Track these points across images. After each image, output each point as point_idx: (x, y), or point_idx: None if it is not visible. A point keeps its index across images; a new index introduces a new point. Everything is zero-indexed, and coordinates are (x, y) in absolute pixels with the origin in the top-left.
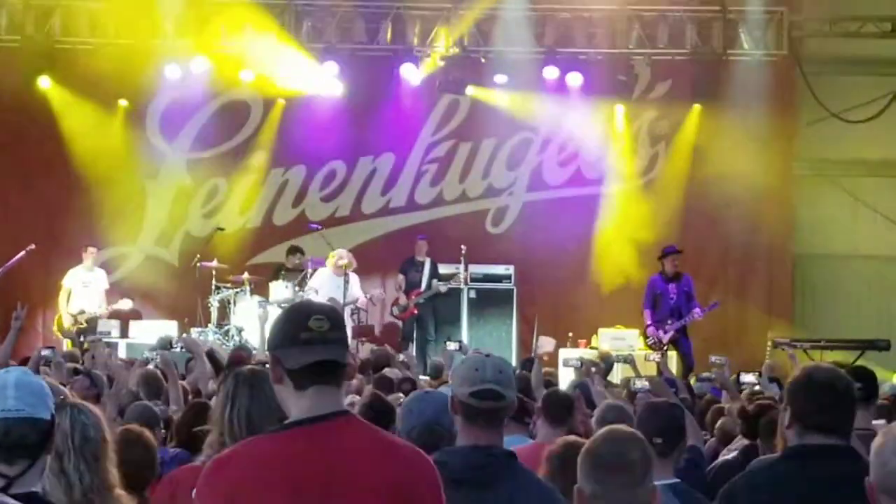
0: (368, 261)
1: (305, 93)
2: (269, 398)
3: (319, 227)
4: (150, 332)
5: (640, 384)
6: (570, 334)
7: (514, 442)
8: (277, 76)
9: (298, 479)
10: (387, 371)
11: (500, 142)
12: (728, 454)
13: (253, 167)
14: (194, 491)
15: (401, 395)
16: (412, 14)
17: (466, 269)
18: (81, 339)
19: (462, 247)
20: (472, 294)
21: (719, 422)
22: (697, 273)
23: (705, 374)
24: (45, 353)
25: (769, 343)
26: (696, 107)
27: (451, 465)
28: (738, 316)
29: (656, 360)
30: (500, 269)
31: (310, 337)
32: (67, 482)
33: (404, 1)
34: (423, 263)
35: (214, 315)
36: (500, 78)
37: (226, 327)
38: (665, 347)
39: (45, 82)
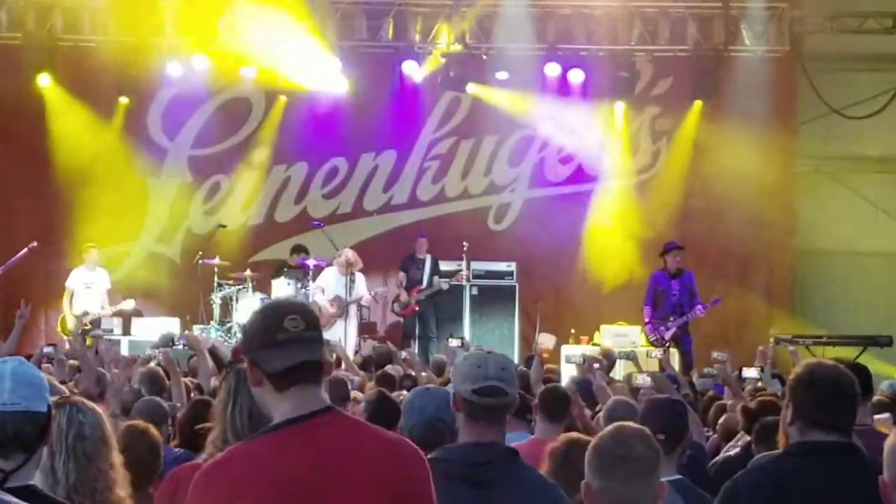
0: (370, 258)
1: (308, 88)
2: None
3: (321, 225)
4: (153, 329)
5: (642, 380)
6: (573, 331)
7: (515, 438)
8: (280, 71)
9: (290, 478)
10: (389, 368)
11: (502, 139)
12: (730, 450)
13: (255, 164)
14: (188, 494)
15: (403, 392)
16: (414, 11)
17: (468, 266)
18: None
19: (464, 244)
20: (475, 291)
21: (721, 418)
22: (699, 269)
23: (707, 371)
24: (46, 350)
25: (771, 339)
26: (698, 103)
27: (453, 462)
28: (739, 312)
29: (658, 356)
30: (502, 266)
31: (286, 338)
32: (54, 479)
33: None
34: (423, 261)
35: (217, 312)
36: (501, 75)
37: (228, 324)
38: (667, 344)
39: (44, 80)
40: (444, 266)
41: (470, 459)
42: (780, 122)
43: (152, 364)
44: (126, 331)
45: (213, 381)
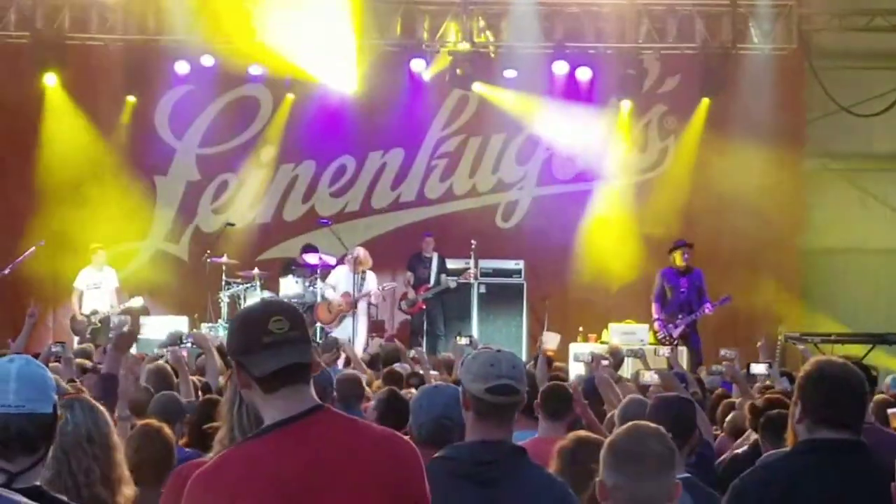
0: (378, 256)
1: (319, 80)
2: None
3: (329, 223)
4: (161, 327)
5: (650, 378)
6: (581, 329)
7: (522, 437)
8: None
9: (287, 479)
10: (396, 366)
11: (510, 137)
12: (738, 448)
13: (263, 162)
14: (183, 498)
15: (411, 390)
16: (422, 9)
17: (476, 264)
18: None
19: (472, 241)
20: (482, 289)
21: (729, 416)
22: (706, 267)
23: (716, 368)
24: (55, 348)
25: (780, 337)
26: (705, 101)
27: (460, 460)
28: (747, 310)
29: (666, 354)
30: (510, 264)
31: (272, 340)
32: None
33: None
34: (430, 259)
35: (225, 311)
36: (509, 73)
37: None
38: (675, 342)
39: (51, 79)
40: (453, 264)
41: (477, 458)
42: (788, 120)
43: (160, 362)
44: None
45: (221, 380)
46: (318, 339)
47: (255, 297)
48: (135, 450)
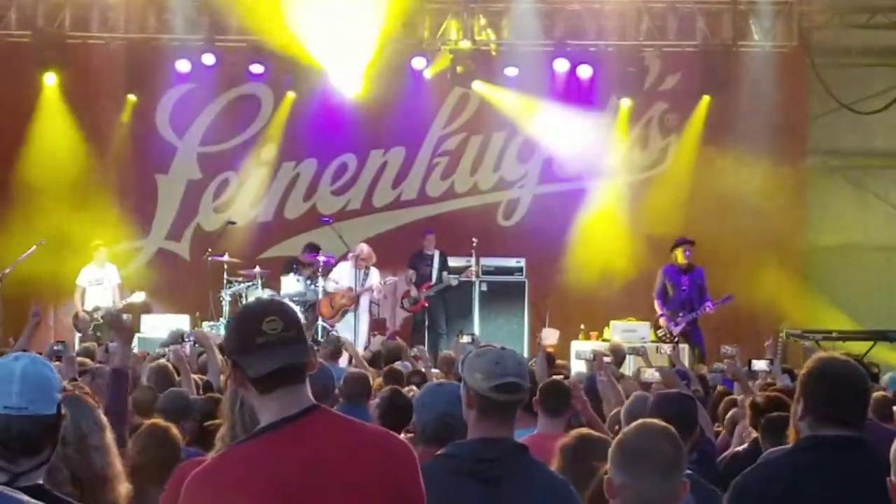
0: (380, 254)
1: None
2: None
3: (331, 221)
4: (162, 326)
5: (651, 375)
6: (582, 326)
7: (521, 434)
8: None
9: (284, 479)
10: (397, 364)
11: (511, 135)
12: (739, 446)
13: (263, 161)
14: (180, 498)
15: (412, 388)
16: (423, 7)
17: (478, 262)
18: (98, 334)
19: (473, 239)
20: (484, 287)
21: (730, 413)
22: (707, 264)
23: (718, 366)
24: (56, 347)
25: (782, 334)
26: (706, 98)
27: (462, 458)
28: (748, 307)
29: (668, 352)
30: (511, 262)
31: (265, 341)
32: None
33: None
34: (432, 257)
35: (226, 309)
36: (510, 71)
37: None
38: (676, 339)
39: (50, 79)
40: (454, 262)
41: (479, 455)
42: (788, 118)
43: (162, 361)
44: (136, 328)
45: (222, 378)
46: (319, 338)
47: (256, 295)
48: (140, 450)
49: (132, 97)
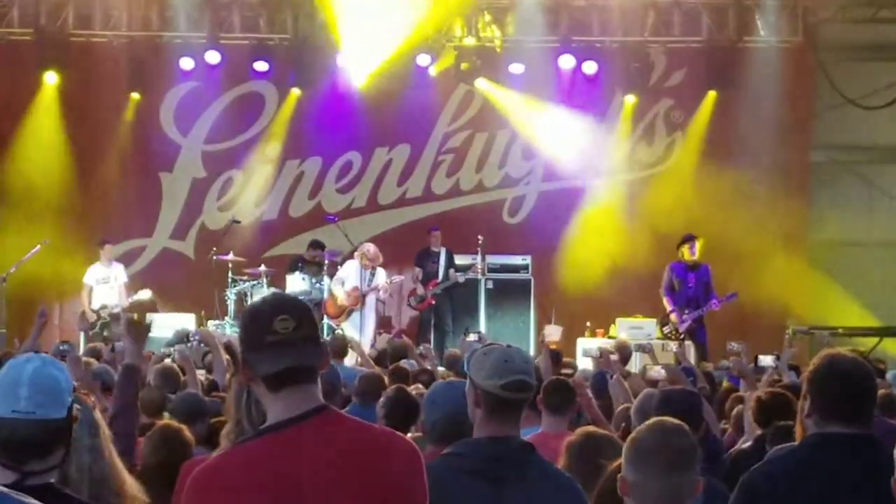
0: (385, 251)
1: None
2: None
3: (336, 219)
4: (167, 325)
5: (657, 373)
6: (588, 324)
7: (525, 433)
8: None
9: (285, 482)
10: (403, 363)
11: (516, 132)
12: (744, 443)
13: (268, 159)
14: (183, 497)
15: (419, 385)
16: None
17: (483, 260)
18: (105, 333)
19: (479, 237)
20: (490, 285)
21: (735, 410)
22: (713, 260)
23: (724, 363)
24: (62, 347)
25: (788, 331)
26: (712, 94)
27: (469, 457)
28: (754, 303)
29: (675, 349)
30: (517, 260)
31: (275, 340)
32: None
33: None
34: (438, 254)
35: (232, 308)
36: (515, 67)
37: None
38: (682, 336)
39: (51, 77)
40: (459, 260)
41: (486, 454)
42: (793, 113)
43: (168, 361)
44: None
45: (227, 377)
46: (325, 337)
47: (261, 294)
48: (151, 451)
49: (135, 95)
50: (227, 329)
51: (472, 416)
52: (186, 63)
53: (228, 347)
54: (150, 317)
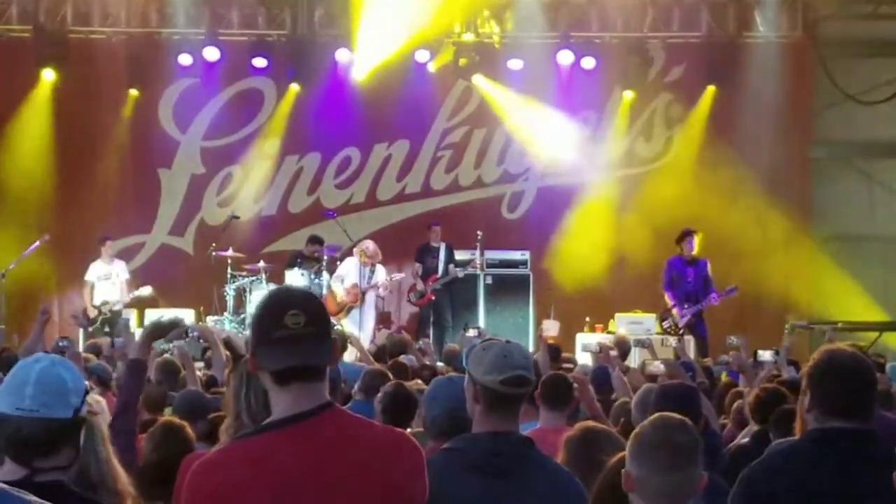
0: (384, 247)
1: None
2: None
3: (335, 215)
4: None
5: (656, 368)
6: (588, 319)
7: (524, 428)
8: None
9: (284, 479)
10: (402, 358)
11: (515, 128)
12: (743, 438)
13: (267, 154)
14: (182, 491)
15: (419, 381)
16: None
17: (482, 255)
18: (106, 328)
19: (478, 233)
20: (489, 280)
21: (735, 405)
22: (713, 255)
23: (724, 358)
24: (61, 343)
25: (787, 326)
26: (711, 90)
27: (469, 452)
28: (754, 298)
29: (674, 344)
30: (516, 255)
31: (284, 335)
32: None
33: None
34: (438, 249)
35: (231, 304)
36: (514, 63)
37: (242, 316)
38: (681, 331)
39: (50, 74)
40: (458, 255)
41: (486, 449)
42: (793, 108)
43: (167, 356)
44: (141, 323)
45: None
46: None
47: (261, 289)
48: (153, 448)
49: (134, 92)
50: (226, 324)
51: (472, 411)
52: (185, 59)
53: (228, 343)
54: (175, 316)
